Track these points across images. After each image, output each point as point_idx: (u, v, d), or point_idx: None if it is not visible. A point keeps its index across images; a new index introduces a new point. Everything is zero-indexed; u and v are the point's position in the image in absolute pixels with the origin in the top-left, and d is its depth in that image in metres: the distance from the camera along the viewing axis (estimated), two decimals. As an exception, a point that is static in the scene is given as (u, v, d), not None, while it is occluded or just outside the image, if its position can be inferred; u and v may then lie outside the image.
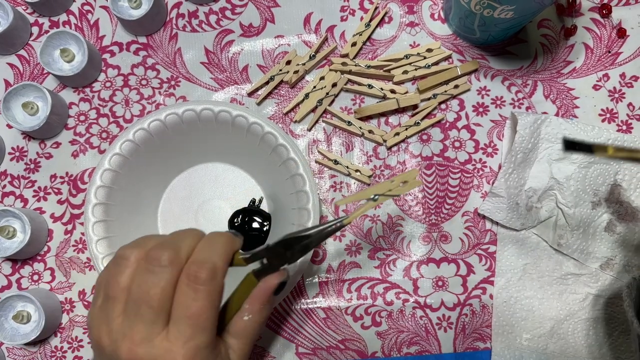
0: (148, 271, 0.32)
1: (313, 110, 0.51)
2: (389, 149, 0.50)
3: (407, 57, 0.50)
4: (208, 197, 0.50)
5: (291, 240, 0.36)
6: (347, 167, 0.50)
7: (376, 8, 0.52)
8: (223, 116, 0.46)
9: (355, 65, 0.50)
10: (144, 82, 0.51)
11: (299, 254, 0.37)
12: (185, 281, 0.32)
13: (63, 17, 0.52)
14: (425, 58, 0.50)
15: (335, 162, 0.50)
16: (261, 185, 0.49)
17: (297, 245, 0.36)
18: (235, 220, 0.48)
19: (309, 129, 0.51)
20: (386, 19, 0.52)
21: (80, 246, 0.50)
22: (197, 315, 0.32)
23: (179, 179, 0.50)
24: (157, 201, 0.50)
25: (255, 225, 0.47)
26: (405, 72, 0.50)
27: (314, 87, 0.50)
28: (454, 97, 0.51)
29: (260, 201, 0.48)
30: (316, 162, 0.50)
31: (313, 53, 0.51)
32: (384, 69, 0.50)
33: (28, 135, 0.51)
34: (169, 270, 0.32)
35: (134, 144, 0.46)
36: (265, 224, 0.47)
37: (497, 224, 0.49)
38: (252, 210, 0.48)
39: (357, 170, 0.50)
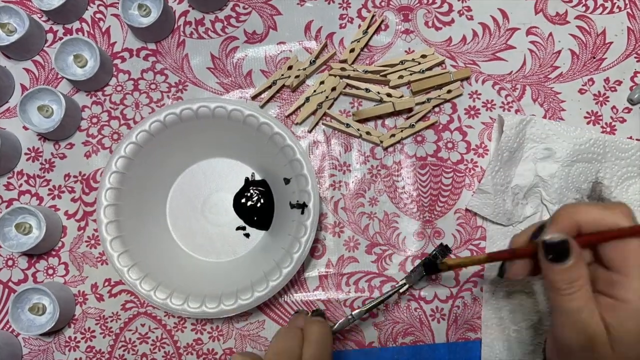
0: None
1: (313, 113, 0.52)
2: (386, 149, 0.52)
3: (402, 62, 0.52)
4: (212, 191, 0.52)
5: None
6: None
7: (373, 16, 0.53)
8: (235, 114, 0.47)
9: (354, 70, 0.52)
10: (153, 86, 0.53)
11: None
12: None
13: (76, 24, 0.54)
14: (419, 64, 0.52)
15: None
16: (261, 175, 0.52)
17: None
18: (240, 200, 0.51)
19: (310, 131, 0.53)
20: (383, 26, 0.54)
21: (92, 242, 0.52)
22: None
23: (182, 176, 0.52)
24: (165, 198, 0.52)
25: (255, 197, 0.51)
26: (401, 77, 0.52)
27: (314, 91, 0.52)
28: (447, 100, 0.52)
29: (253, 175, 0.51)
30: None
31: (313, 59, 0.52)
32: (381, 74, 0.52)
33: (43, 137, 0.53)
34: None
35: (138, 146, 0.48)
36: (263, 189, 0.51)
37: (487, 220, 0.51)
38: (248, 184, 0.51)
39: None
